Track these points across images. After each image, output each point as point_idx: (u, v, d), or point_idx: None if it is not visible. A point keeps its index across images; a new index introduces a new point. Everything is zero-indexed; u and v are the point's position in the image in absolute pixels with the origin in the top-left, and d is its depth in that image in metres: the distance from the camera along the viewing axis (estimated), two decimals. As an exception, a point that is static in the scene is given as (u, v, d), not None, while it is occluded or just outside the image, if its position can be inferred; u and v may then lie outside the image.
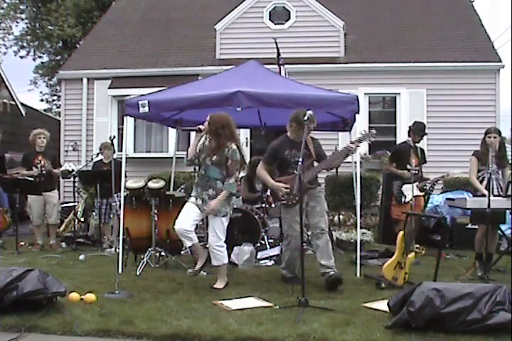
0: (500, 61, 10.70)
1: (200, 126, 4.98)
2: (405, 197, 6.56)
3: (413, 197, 6.47)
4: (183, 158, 5.29)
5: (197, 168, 5.15)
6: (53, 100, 25.16)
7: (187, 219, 5.01)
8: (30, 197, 7.64)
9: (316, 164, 5.34)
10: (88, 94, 11.61)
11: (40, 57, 23.64)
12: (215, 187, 5.01)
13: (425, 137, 7.08)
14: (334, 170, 9.03)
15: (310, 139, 5.30)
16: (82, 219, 8.94)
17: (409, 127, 6.87)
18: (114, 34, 13.04)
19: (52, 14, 20.89)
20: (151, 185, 6.47)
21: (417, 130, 6.73)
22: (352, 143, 5.19)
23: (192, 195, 5.19)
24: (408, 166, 6.55)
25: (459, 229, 7.46)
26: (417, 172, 6.61)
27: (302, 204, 4.75)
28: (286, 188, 5.15)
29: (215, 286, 5.05)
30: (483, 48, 11.15)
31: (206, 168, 5.03)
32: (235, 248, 6.34)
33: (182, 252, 6.60)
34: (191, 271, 5.29)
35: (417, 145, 6.82)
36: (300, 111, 5.13)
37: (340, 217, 8.83)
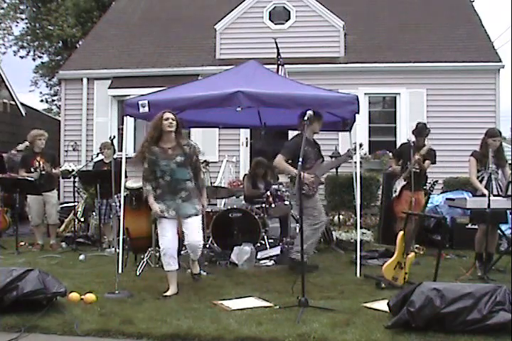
0: (500, 61, 10.70)
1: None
2: (395, 192, 6.88)
3: (400, 189, 6.80)
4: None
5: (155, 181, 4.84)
6: (53, 100, 25.18)
7: (174, 239, 4.83)
8: (29, 197, 7.64)
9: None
10: (88, 94, 11.64)
11: (40, 57, 23.68)
12: (186, 188, 4.82)
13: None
14: (334, 170, 9.12)
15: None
16: (82, 219, 8.93)
17: (413, 131, 6.99)
18: (114, 34, 13.05)
19: (52, 14, 20.92)
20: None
21: (419, 131, 6.87)
22: (349, 153, 6.10)
23: (160, 208, 4.77)
24: (408, 164, 6.65)
25: (459, 229, 7.45)
26: (418, 170, 6.71)
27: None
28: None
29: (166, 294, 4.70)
30: (483, 48, 11.15)
31: (172, 172, 4.77)
32: (235, 248, 6.35)
33: (182, 252, 6.59)
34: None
35: (425, 144, 6.91)
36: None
37: (340, 217, 8.83)
